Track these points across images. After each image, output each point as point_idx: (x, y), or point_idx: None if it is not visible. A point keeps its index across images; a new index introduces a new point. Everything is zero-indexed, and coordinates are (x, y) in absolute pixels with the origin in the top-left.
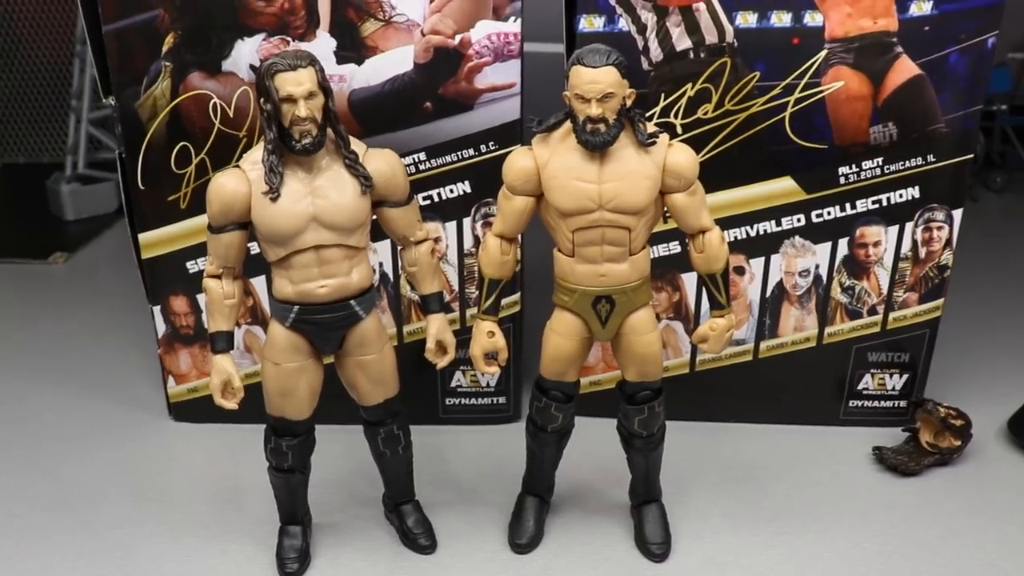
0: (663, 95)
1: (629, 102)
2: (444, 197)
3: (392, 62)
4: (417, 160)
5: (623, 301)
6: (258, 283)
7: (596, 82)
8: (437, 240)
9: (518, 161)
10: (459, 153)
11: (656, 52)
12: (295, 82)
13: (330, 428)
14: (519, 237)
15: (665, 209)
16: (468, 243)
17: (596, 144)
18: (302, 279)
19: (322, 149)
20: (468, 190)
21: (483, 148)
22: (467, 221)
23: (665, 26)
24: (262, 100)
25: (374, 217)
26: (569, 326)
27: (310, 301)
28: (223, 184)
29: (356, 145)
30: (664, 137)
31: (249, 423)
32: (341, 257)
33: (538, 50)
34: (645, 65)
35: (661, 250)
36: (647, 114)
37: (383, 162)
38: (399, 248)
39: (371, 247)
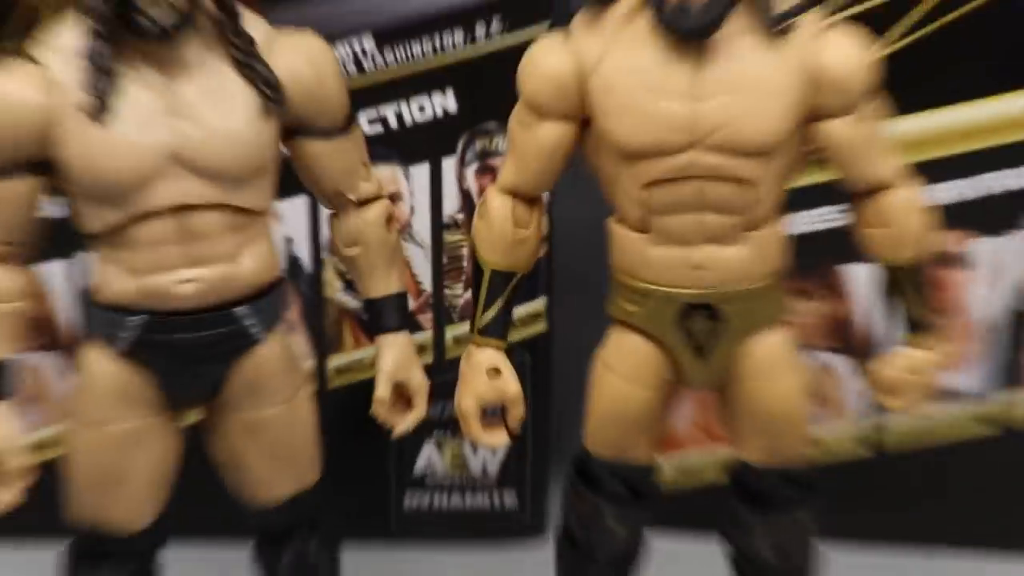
0: None
1: None
2: (408, 120)
3: None
4: (359, 50)
5: (737, 315)
6: (54, 274)
7: None
8: (394, 199)
9: (546, 58)
10: (434, 36)
11: None
12: None
13: (192, 549)
14: (545, 197)
15: (814, 148)
16: (451, 204)
17: (690, 28)
18: (151, 266)
19: (190, 29)
20: (451, 107)
21: (479, 28)
22: (449, 164)
23: None
24: None
25: (283, 156)
26: (638, 360)
27: (164, 306)
28: (4, 94)
29: (252, 24)
30: (813, 16)
31: (41, 537)
32: (222, 227)
33: None
34: None
35: (805, 222)
36: None
37: (301, 56)
38: (329, 214)
39: (275, 212)
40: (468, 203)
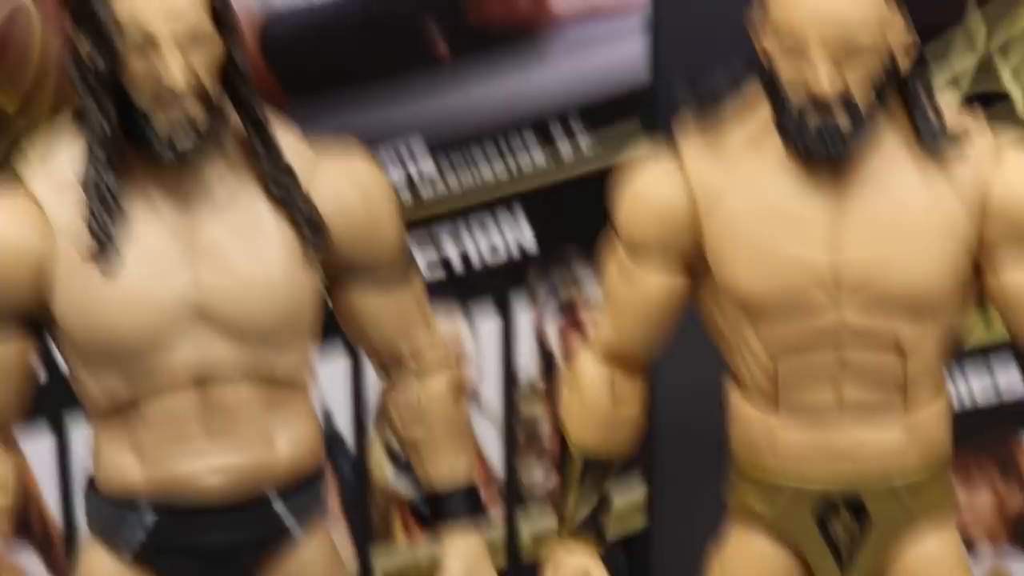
0: (983, 27)
1: (904, 58)
2: (474, 260)
3: None
4: (414, 172)
5: (889, 515)
6: (38, 452)
7: (833, 18)
8: (457, 361)
9: (652, 189)
10: (507, 154)
11: None
12: (161, 7)
13: None
14: (648, 369)
15: (983, 297)
16: (528, 367)
17: (828, 150)
18: (166, 451)
19: (219, 161)
20: (529, 243)
21: (564, 145)
22: (525, 317)
23: None
24: (82, 45)
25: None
26: (763, 569)
27: (182, 501)
28: None
29: (290, 143)
30: (984, 139)
31: None
32: (254, 402)
33: None
34: None
35: (976, 387)
36: (942, 82)
37: (350, 184)
38: (382, 380)
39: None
40: (549, 365)
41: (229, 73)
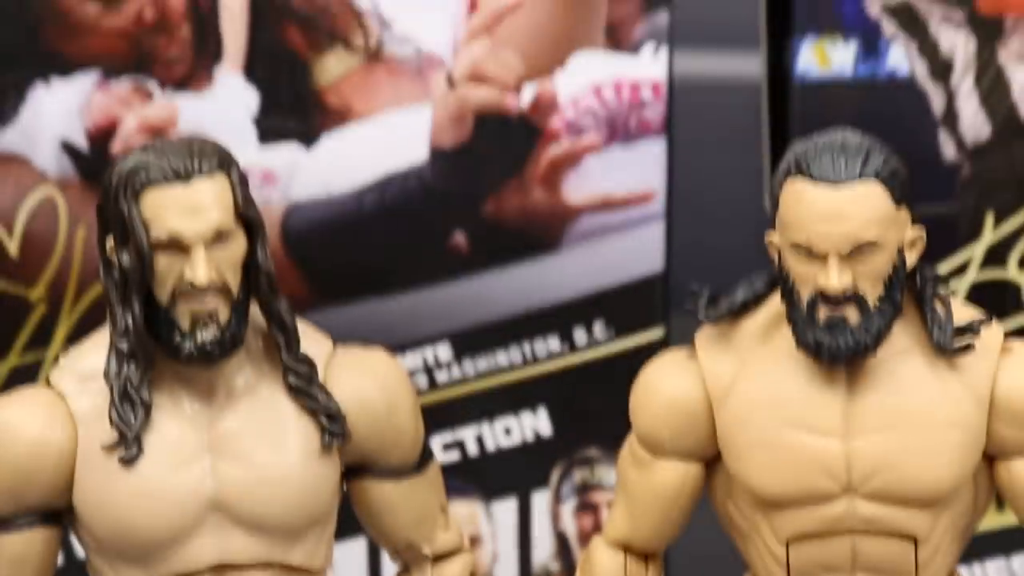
0: (990, 217)
1: (912, 256)
2: (490, 445)
3: (382, 143)
4: (432, 359)
5: None
6: None
7: (840, 217)
8: (473, 544)
9: (666, 383)
10: (525, 346)
11: (977, 123)
12: (187, 207)
13: None
14: (662, 553)
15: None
16: (544, 550)
17: (839, 351)
18: None
19: (239, 352)
20: (544, 429)
21: (580, 337)
22: (541, 500)
23: (996, 62)
24: (109, 241)
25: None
26: None
27: None
28: (11, 428)
29: (311, 341)
30: (992, 333)
31: None
32: None
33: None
34: (950, 153)
35: (991, 570)
36: (950, 270)
37: (369, 379)
38: (397, 571)
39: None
40: (565, 549)
41: (251, 268)
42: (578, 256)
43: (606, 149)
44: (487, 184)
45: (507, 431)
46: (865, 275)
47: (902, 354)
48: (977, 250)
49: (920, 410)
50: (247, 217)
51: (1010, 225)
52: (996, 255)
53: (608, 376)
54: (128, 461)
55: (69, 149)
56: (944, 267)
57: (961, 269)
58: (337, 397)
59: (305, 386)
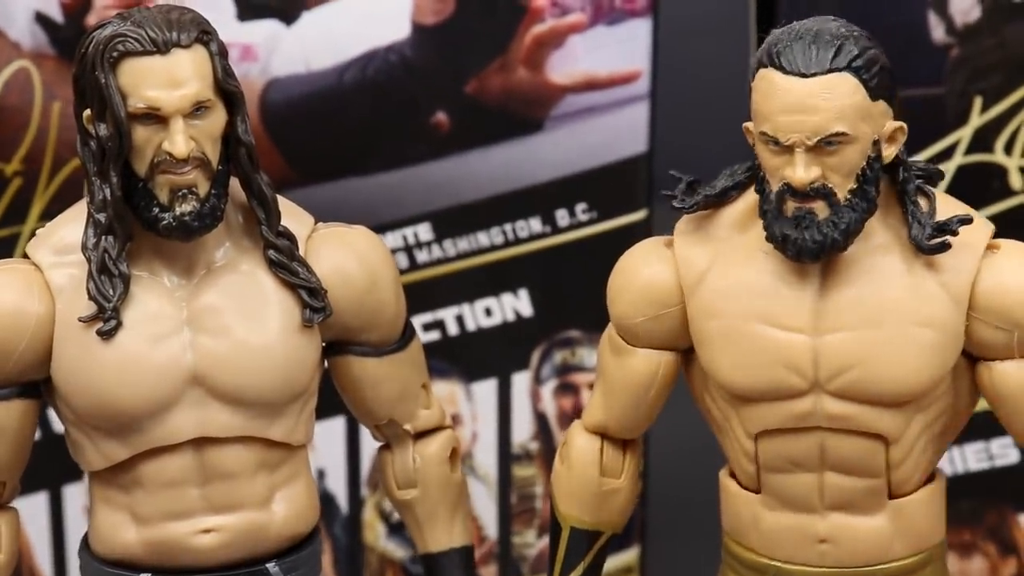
0: (978, 102)
1: (889, 149)
2: (471, 326)
3: (363, 19)
4: (412, 240)
5: None
6: (33, 510)
7: (806, 109)
8: (453, 423)
9: (641, 270)
10: (507, 227)
11: (967, 4)
12: (165, 78)
13: None
14: (641, 438)
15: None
16: (523, 430)
17: (806, 248)
18: (162, 513)
19: (219, 226)
20: (525, 310)
21: (562, 218)
22: (521, 381)
23: None
24: (85, 113)
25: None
26: None
27: (176, 562)
28: None
29: (292, 216)
30: (978, 228)
31: None
32: (250, 465)
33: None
34: (939, 35)
35: (972, 459)
36: (937, 153)
37: (351, 255)
38: (378, 446)
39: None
40: (544, 429)
41: (231, 141)
42: (561, 136)
43: (591, 28)
44: (470, 62)
45: (488, 312)
46: (834, 168)
47: (880, 250)
48: (964, 133)
49: (892, 308)
50: (227, 89)
51: (998, 108)
52: (983, 138)
53: (590, 257)
54: (106, 334)
55: (44, 21)
56: (931, 150)
57: (948, 152)
58: (318, 272)
59: (286, 261)
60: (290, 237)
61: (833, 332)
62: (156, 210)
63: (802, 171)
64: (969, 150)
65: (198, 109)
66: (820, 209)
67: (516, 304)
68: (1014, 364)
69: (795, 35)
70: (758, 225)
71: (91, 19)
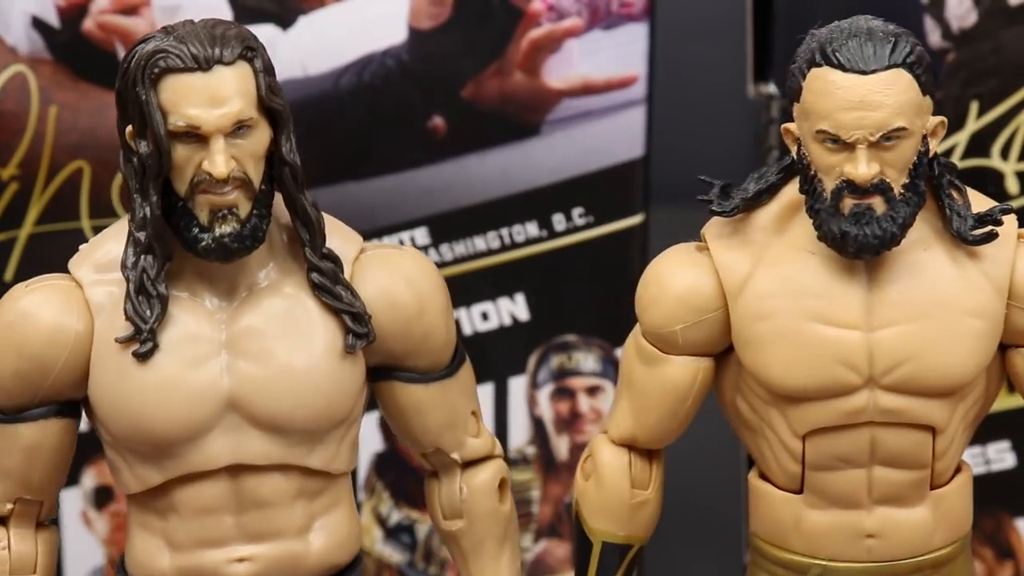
0: (974, 106)
1: (934, 144)
2: (467, 330)
3: (360, 23)
4: (409, 244)
5: None
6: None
7: (870, 105)
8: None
9: (678, 277)
10: (503, 231)
11: (963, 9)
12: (206, 96)
13: None
14: (664, 448)
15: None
16: (519, 435)
17: (867, 243)
18: (195, 540)
19: (262, 247)
20: (521, 314)
21: (559, 222)
22: (517, 385)
23: None
24: (128, 129)
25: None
26: None
27: None
28: (28, 314)
29: (339, 237)
30: (1009, 221)
31: None
32: (288, 494)
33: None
34: (935, 40)
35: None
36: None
37: (399, 279)
38: (426, 474)
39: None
40: (541, 434)
41: (275, 161)
42: (558, 141)
43: (587, 33)
44: (466, 67)
45: (484, 316)
46: (892, 163)
47: (922, 244)
48: (961, 138)
49: (941, 300)
50: (271, 108)
51: (994, 113)
52: (980, 143)
53: (587, 262)
54: (142, 356)
55: (40, 26)
56: None
57: (945, 157)
58: (364, 296)
59: (329, 284)
60: (335, 259)
61: (887, 327)
62: (196, 230)
63: (864, 167)
64: (966, 154)
65: (240, 128)
66: (878, 204)
67: (513, 308)
68: None
69: (848, 33)
70: (798, 225)
71: (88, 24)
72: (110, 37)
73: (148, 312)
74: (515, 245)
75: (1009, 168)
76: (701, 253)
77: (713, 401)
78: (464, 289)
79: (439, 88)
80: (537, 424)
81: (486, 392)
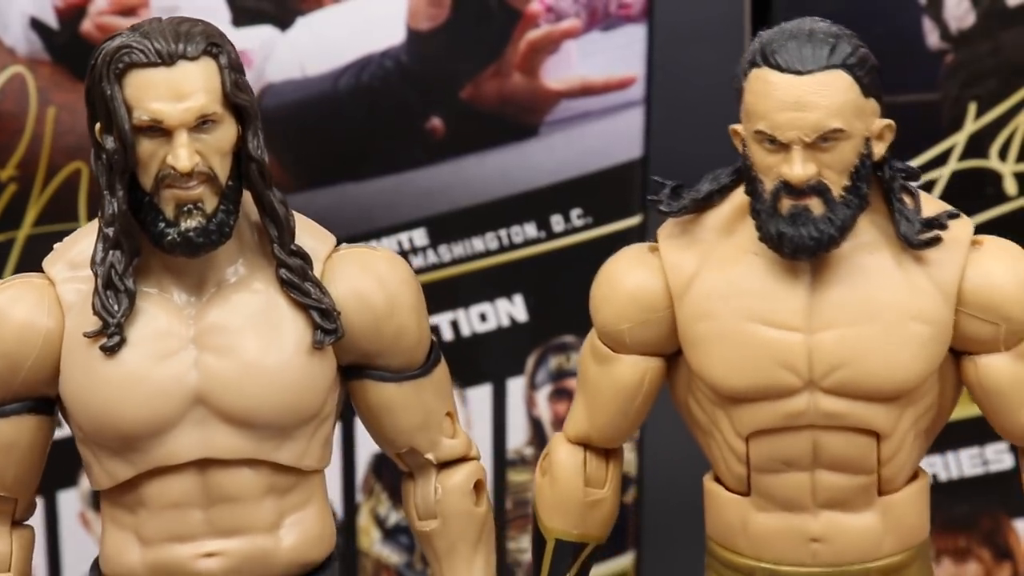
0: (972, 107)
1: (880, 147)
2: (466, 331)
3: (358, 24)
4: (408, 247)
5: None
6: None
7: (804, 106)
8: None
9: (626, 277)
10: (502, 232)
11: (961, 10)
12: (170, 91)
13: None
14: (623, 448)
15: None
16: (518, 436)
17: (803, 244)
18: (164, 535)
19: (231, 243)
20: (520, 315)
21: (557, 223)
22: (516, 386)
23: None
24: (96, 126)
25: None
26: None
27: None
28: (2, 312)
29: (310, 236)
30: (961, 224)
31: None
32: (257, 489)
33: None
34: (933, 41)
35: (966, 464)
36: (932, 159)
37: (370, 276)
38: (403, 475)
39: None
40: (539, 434)
41: (242, 157)
42: (556, 142)
43: (586, 34)
44: (465, 67)
45: (483, 317)
46: (830, 165)
47: (868, 247)
48: (959, 139)
49: (885, 304)
50: (237, 104)
51: (993, 114)
52: (978, 144)
53: (585, 263)
54: (109, 350)
55: (39, 27)
56: (926, 156)
57: (943, 158)
58: (334, 294)
59: (297, 280)
60: (304, 256)
61: (827, 329)
62: (161, 225)
63: (799, 168)
64: (964, 156)
65: (204, 123)
66: (816, 206)
67: (511, 309)
68: (1000, 358)
69: (788, 34)
70: (745, 227)
71: (86, 25)
72: None
73: (116, 307)
74: (513, 246)
75: (1007, 169)
76: (652, 254)
77: None
78: (462, 290)
79: (437, 89)
80: (535, 425)
81: (484, 393)
